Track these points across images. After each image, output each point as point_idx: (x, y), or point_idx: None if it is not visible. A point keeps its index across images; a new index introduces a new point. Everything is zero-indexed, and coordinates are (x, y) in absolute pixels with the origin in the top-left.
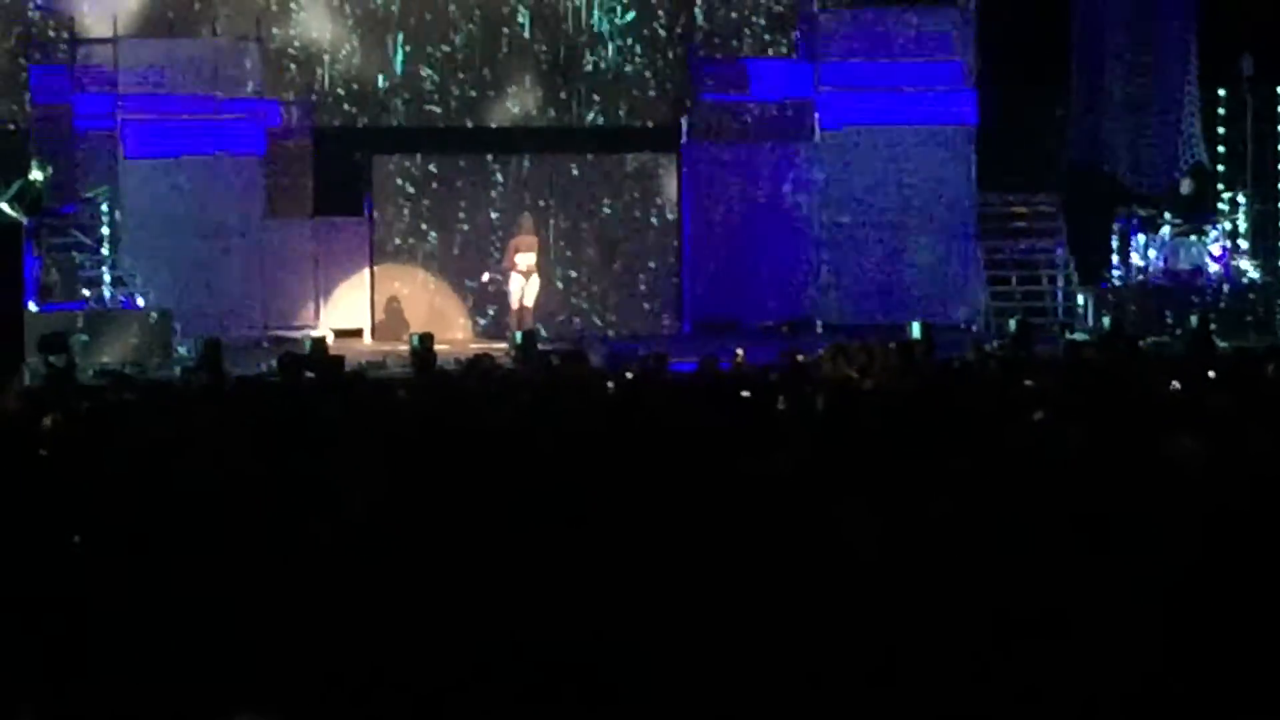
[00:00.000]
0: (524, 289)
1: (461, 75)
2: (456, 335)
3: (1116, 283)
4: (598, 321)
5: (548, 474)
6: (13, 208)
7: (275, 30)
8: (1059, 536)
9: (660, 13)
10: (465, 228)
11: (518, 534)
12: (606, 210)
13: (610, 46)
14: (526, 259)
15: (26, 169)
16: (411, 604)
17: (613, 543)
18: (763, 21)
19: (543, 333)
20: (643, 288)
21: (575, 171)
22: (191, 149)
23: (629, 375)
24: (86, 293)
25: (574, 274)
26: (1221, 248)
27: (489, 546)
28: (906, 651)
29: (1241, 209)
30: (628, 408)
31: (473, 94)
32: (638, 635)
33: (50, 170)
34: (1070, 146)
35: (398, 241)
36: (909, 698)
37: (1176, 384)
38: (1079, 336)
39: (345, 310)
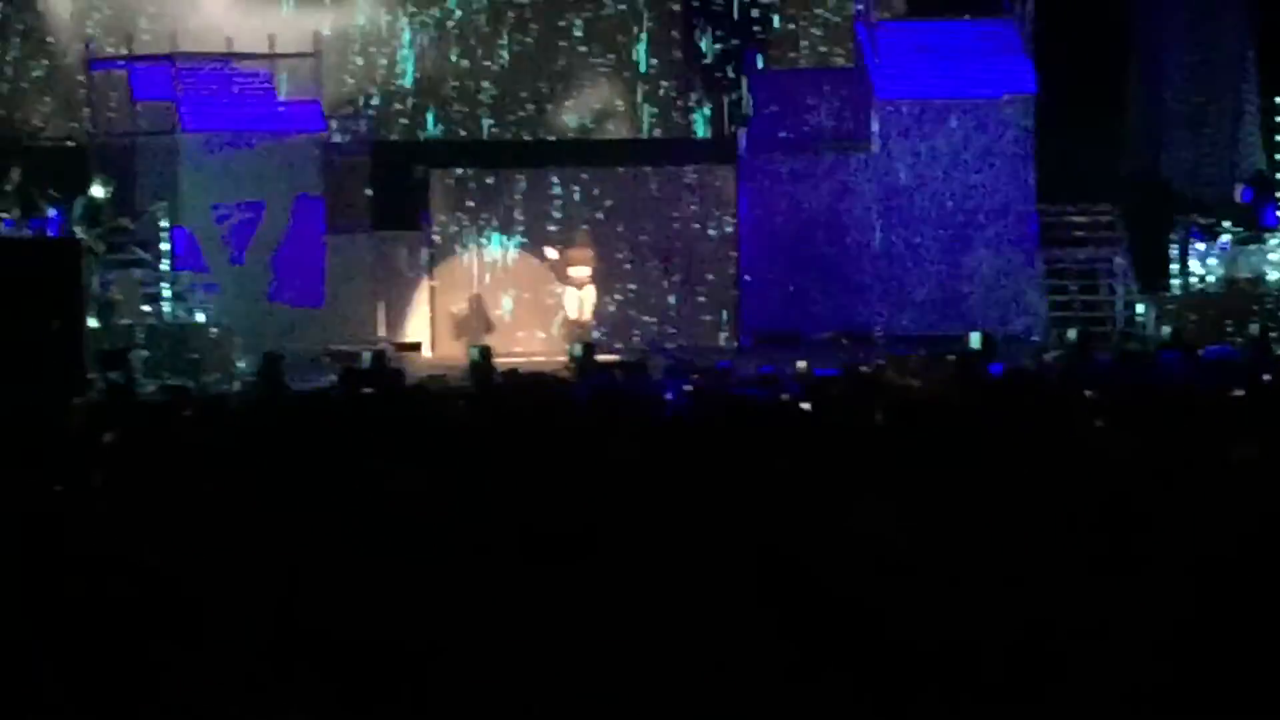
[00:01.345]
0: (580, 302)
1: (519, 88)
2: (515, 348)
3: (1176, 291)
4: (657, 334)
5: (605, 488)
6: (86, 232)
7: (333, 45)
8: (1117, 544)
9: (717, 24)
10: (524, 241)
11: (567, 549)
12: (665, 222)
13: (666, 58)
14: (580, 271)
15: (88, 186)
16: (464, 618)
17: (668, 559)
18: (820, 32)
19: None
20: (702, 300)
21: (633, 184)
22: (251, 163)
23: (688, 389)
24: (147, 308)
25: (633, 286)
26: None
27: (540, 561)
28: (957, 659)
29: None
30: (687, 422)
31: (530, 107)
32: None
33: (112, 187)
34: (1129, 156)
35: (456, 255)
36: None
37: (1239, 391)
38: (1133, 346)
39: (405, 324)
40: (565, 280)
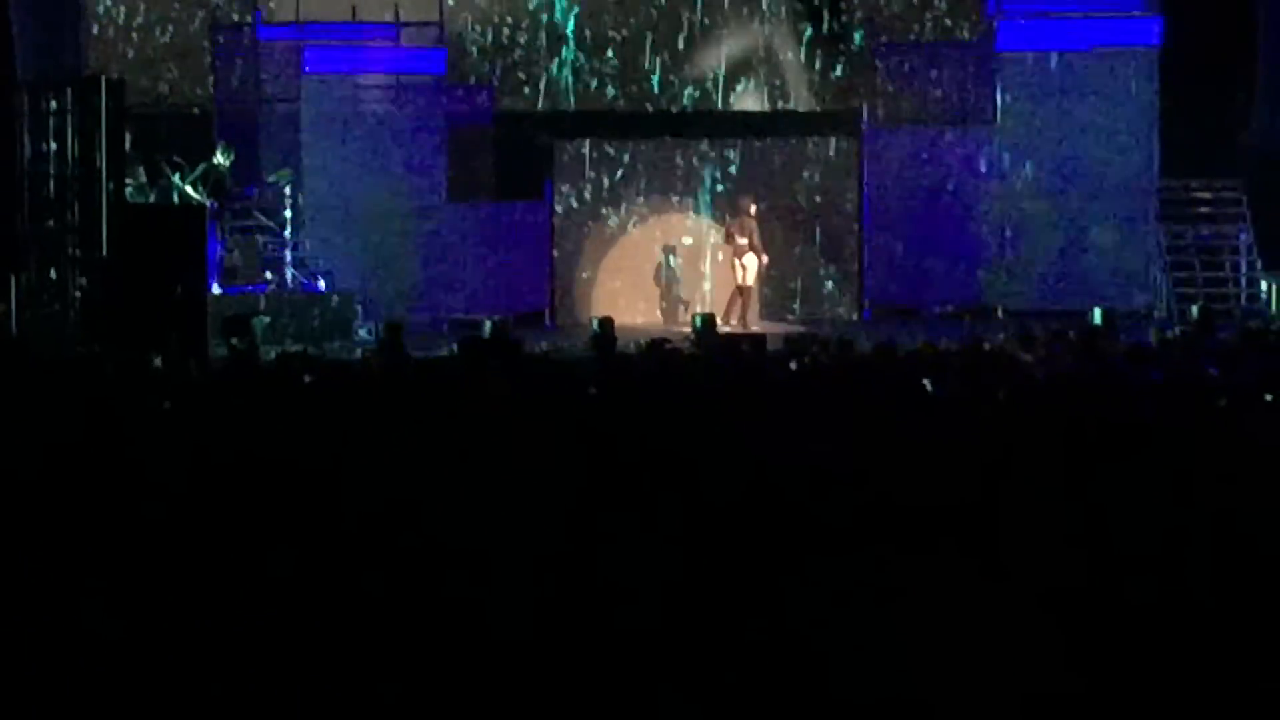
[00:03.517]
0: (744, 270)
1: (641, 60)
2: (637, 319)
3: None
4: (779, 306)
5: (723, 456)
6: (196, 190)
7: (458, 15)
8: (1242, 519)
9: None
10: (645, 211)
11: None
12: (788, 194)
13: (791, 31)
14: (740, 240)
15: (211, 152)
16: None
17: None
18: (944, 6)
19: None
20: (824, 272)
21: (757, 155)
22: (373, 131)
23: (807, 360)
24: (269, 275)
25: None
26: None
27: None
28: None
29: None
30: (803, 393)
31: (655, 78)
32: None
33: (234, 154)
34: (1254, 131)
35: (578, 225)
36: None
37: None
38: (1255, 324)
39: (526, 293)
40: (731, 249)
